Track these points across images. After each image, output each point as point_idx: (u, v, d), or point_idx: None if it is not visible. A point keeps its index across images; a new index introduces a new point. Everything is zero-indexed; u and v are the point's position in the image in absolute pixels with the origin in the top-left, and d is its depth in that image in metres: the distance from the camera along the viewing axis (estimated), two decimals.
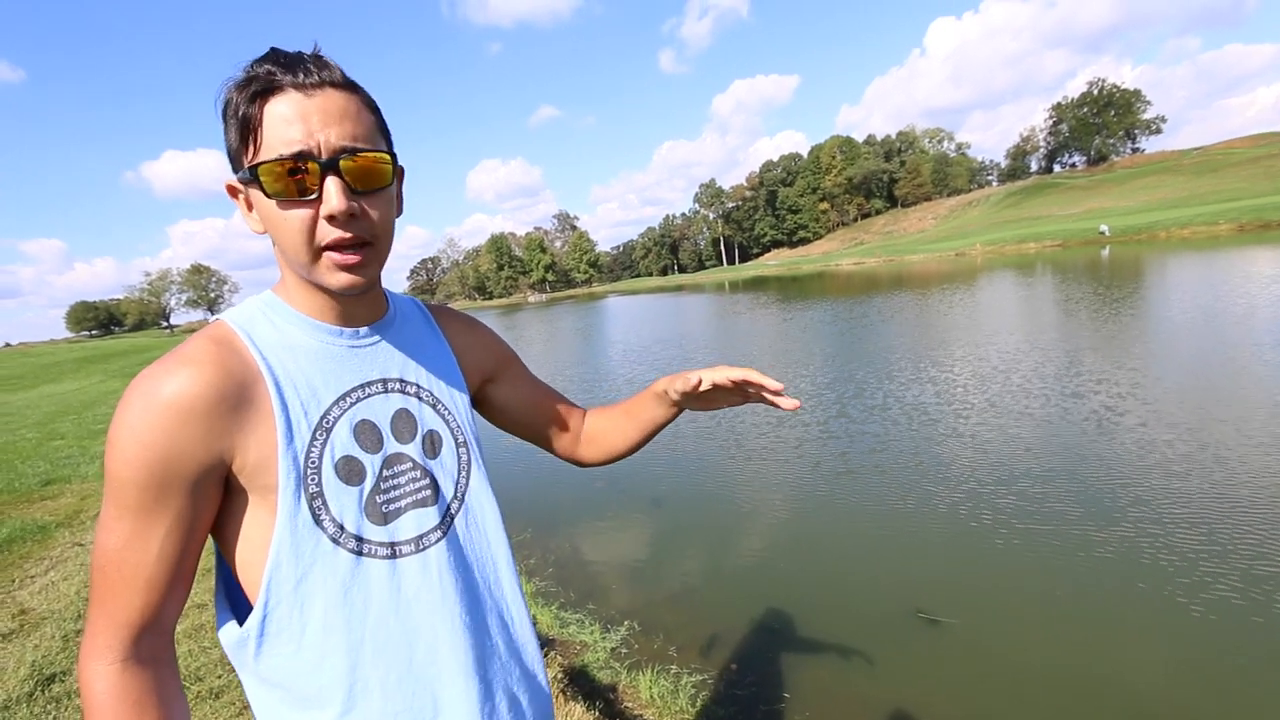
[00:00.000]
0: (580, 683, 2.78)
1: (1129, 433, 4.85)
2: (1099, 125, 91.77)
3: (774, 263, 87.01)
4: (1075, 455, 4.57)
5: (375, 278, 0.71)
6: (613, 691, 2.75)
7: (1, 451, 7.55)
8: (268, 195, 0.64)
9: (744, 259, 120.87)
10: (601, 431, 1.03)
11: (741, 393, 0.87)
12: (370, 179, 0.66)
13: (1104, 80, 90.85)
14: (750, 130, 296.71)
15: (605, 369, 12.22)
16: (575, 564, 4.04)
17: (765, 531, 4.17)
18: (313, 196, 0.64)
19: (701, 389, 0.86)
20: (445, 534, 0.75)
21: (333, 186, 0.63)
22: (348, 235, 0.65)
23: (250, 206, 0.69)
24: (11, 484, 5.70)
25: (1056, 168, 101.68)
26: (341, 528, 0.67)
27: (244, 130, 0.63)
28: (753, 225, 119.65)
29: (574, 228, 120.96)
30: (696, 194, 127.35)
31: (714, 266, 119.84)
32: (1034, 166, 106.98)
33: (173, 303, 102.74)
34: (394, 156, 0.69)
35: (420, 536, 0.73)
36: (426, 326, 0.87)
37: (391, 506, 0.71)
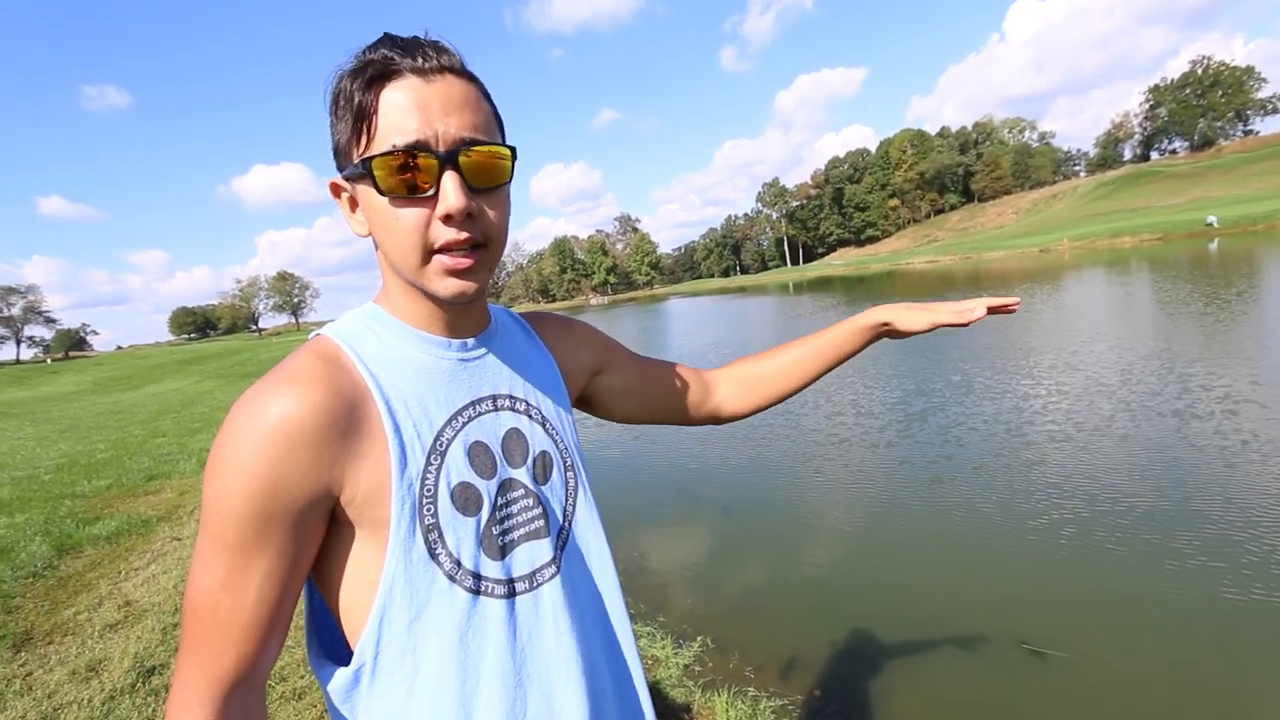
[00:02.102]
0: (654, 701, 2.68)
1: (1263, 463, 4.33)
2: (1204, 107, 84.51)
3: (840, 262, 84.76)
4: (1204, 484, 4.11)
5: (486, 285, 0.64)
6: (687, 712, 2.64)
7: (113, 447, 8.19)
8: (380, 191, 0.58)
9: (809, 259, 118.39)
10: (766, 375, 0.99)
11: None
12: (489, 175, 0.60)
13: (1210, 58, 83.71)
14: (815, 126, 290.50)
15: None
16: (643, 574, 3.95)
17: (846, 547, 3.96)
18: (429, 193, 0.58)
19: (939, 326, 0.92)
20: (559, 569, 0.69)
21: (450, 183, 0.57)
22: (462, 236, 0.59)
23: (354, 206, 0.64)
24: (120, 479, 6.15)
25: (1154, 155, 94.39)
26: (458, 563, 0.61)
27: (357, 120, 0.58)
28: (818, 224, 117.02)
29: (635, 230, 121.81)
30: (759, 193, 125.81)
31: (777, 267, 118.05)
32: (1128, 155, 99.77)
33: (261, 307, 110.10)
34: (513, 151, 0.63)
35: (534, 572, 0.66)
36: (526, 337, 0.81)
37: (507, 539, 0.65)
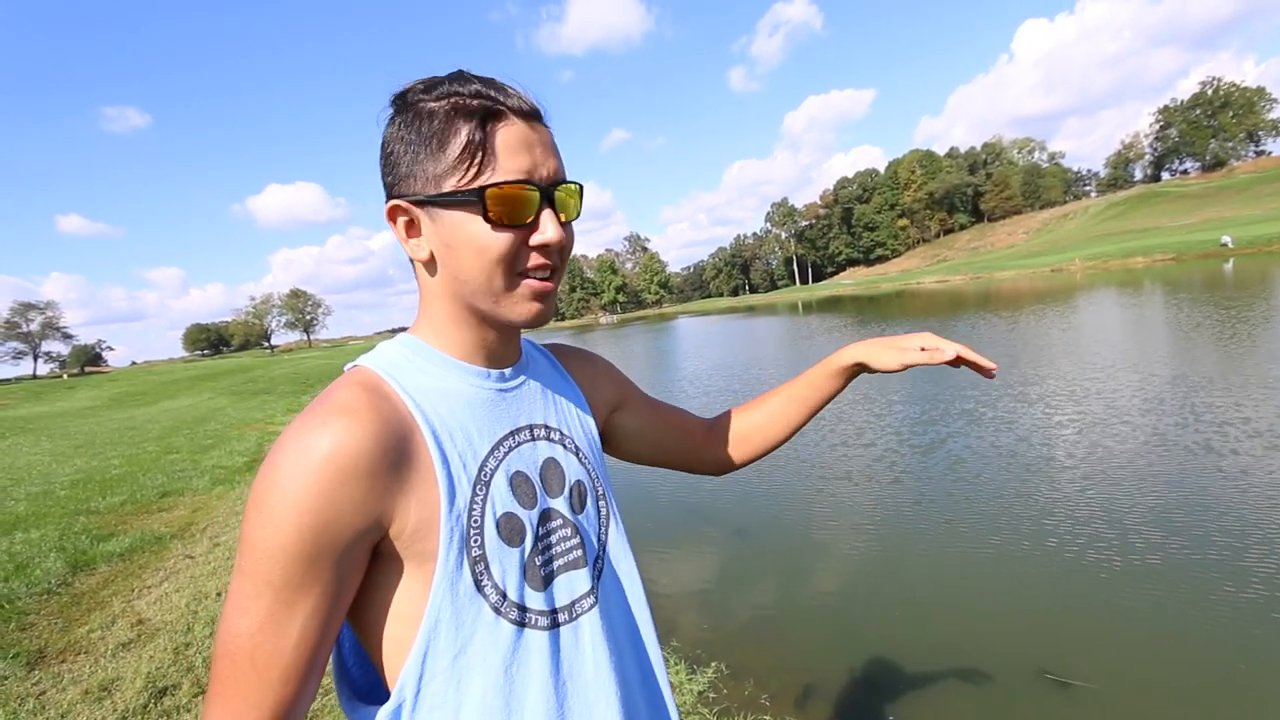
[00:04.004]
0: None
1: None
2: (1214, 128, 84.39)
3: (849, 281, 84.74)
4: (1238, 517, 4.02)
5: (554, 311, 0.69)
6: None
7: (128, 463, 8.24)
8: (488, 218, 0.61)
9: (817, 278, 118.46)
10: (756, 427, 0.98)
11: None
12: (569, 210, 0.67)
13: (1219, 79, 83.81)
14: (824, 147, 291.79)
15: (678, 393, 12.10)
16: (655, 597, 3.90)
17: (863, 572, 3.90)
18: (527, 224, 0.62)
19: (912, 364, 0.87)
20: (596, 599, 0.69)
21: (549, 217, 0.63)
22: (548, 262, 0.65)
23: (416, 231, 0.65)
24: (134, 495, 6.18)
25: (1165, 175, 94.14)
26: (504, 595, 0.61)
27: (469, 153, 0.60)
28: (827, 244, 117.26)
29: (644, 249, 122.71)
30: (768, 213, 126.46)
31: (786, 286, 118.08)
32: (1138, 175, 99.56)
33: (273, 324, 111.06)
34: (582, 189, 0.68)
35: (574, 603, 0.67)
36: (553, 368, 0.82)
37: (548, 569, 0.65)
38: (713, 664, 3.06)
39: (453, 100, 0.61)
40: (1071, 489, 4.54)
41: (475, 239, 0.62)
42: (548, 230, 0.63)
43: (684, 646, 3.27)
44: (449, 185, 0.61)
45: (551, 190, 0.63)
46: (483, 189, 0.60)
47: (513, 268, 0.63)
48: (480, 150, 0.60)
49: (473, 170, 0.61)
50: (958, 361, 0.87)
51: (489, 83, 0.63)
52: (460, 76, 0.63)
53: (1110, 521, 3.95)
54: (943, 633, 3.13)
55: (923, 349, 0.87)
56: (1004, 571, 3.59)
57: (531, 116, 0.64)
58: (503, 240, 0.62)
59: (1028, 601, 3.27)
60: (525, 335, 0.79)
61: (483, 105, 0.61)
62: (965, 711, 2.58)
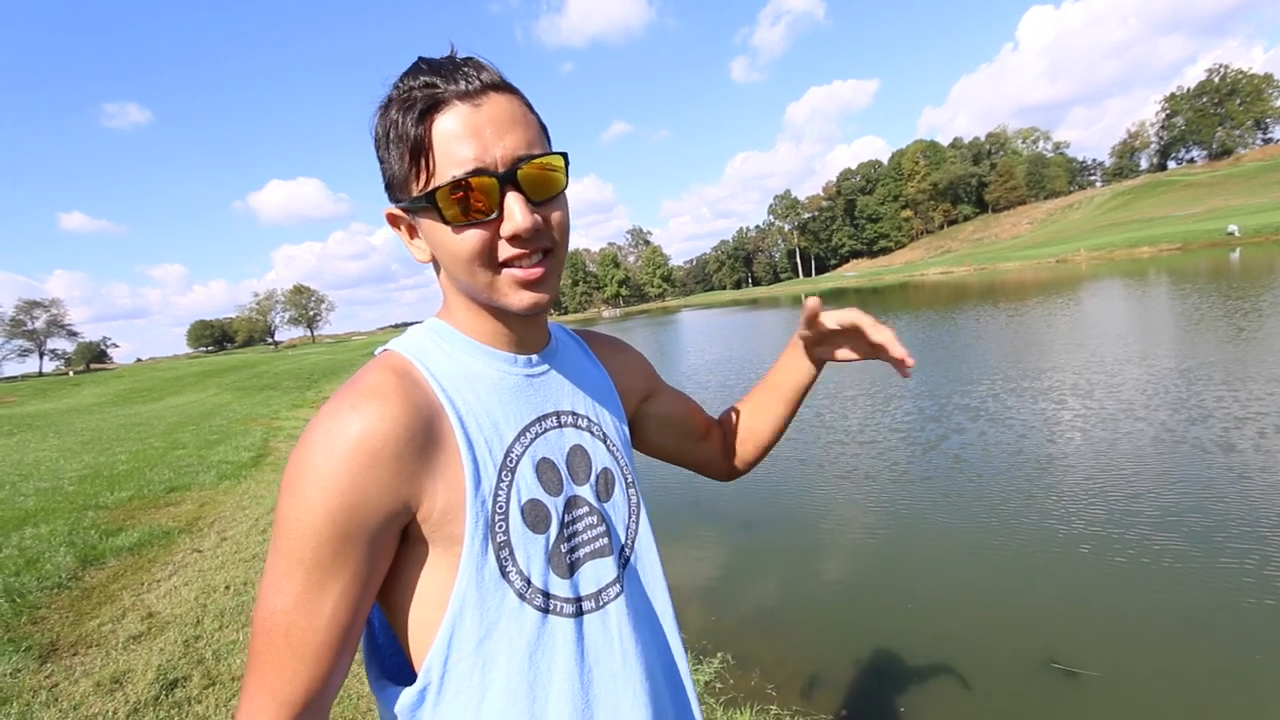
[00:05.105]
0: None
1: None
2: (1221, 116, 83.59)
3: (852, 273, 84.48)
4: (1247, 506, 4.02)
5: (556, 292, 0.65)
6: None
7: (134, 459, 8.28)
8: (446, 221, 0.58)
9: (820, 270, 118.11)
10: (750, 427, 0.94)
11: (863, 345, 0.81)
12: (547, 187, 0.61)
13: (1227, 66, 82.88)
14: (826, 138, 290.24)
15: (684, 386, 12.10)
16: None
17: (869, 562, 3.90)
18: (492, 216, 0.59)
19: (819, 324, 0.80)
20: (623, 588, 0.68)
21: (515, 203, 0.58)
22: (529, 251, 0.61)
23: (413, 234, 0.65)
24: (141, 490, 6.20)
25: (1171, 164, 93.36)
26: (528, 581, 0.61)
27: (414, 154, 0.58)
28: (830, 236, 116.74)
29: (647, 242, 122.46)
30: (771, 205, 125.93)
31: (789, 278, 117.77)
32: (1144, 164, 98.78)
33: (277, 320, 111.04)
34: (565, 157, 0.62)
35: (600, 591, 0.66)
36: (583, 354, 0.81)
37: (574, 556, 0.65)
38: (719, 654, 3.07)
39: (400, 99, 0.58)
40: (1078, 482, 4.53)
41: (444, 243, 0.60)
42: (515, 218, 0.58)
43: (690, 637, 3.28)
44: (414, 191, 0.60)
45: (513, 171, 0.58)
46: (430, 195, 0.57)
47: (491, 263, 0.60)
48: (423, 150, 0.58)
49: (423, 174, 0.58)
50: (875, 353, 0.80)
51: (438, 67, 0.59)
52: (414, 68, 0.60)
53: (1117, 513, 3.94)
54: (949, 623, 3.13)
55: (838, 328, 0.80)
56: (1010, 563, 3.58)
57: (478, 94, 0.58)
58: (470, 239, 0.59)
59: (1034, 593, 3.27)
60: (554, 320, 0.78)
61: (423, 97, 0.57)
62: (971, 699, 2.58)
